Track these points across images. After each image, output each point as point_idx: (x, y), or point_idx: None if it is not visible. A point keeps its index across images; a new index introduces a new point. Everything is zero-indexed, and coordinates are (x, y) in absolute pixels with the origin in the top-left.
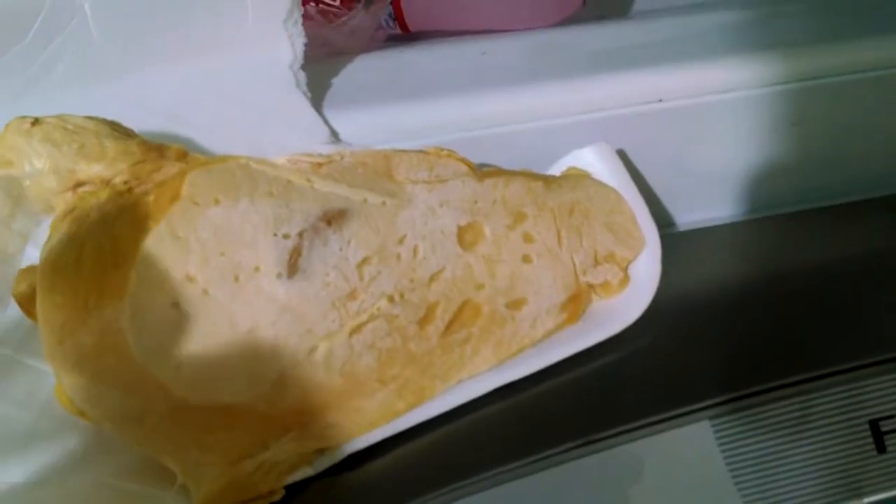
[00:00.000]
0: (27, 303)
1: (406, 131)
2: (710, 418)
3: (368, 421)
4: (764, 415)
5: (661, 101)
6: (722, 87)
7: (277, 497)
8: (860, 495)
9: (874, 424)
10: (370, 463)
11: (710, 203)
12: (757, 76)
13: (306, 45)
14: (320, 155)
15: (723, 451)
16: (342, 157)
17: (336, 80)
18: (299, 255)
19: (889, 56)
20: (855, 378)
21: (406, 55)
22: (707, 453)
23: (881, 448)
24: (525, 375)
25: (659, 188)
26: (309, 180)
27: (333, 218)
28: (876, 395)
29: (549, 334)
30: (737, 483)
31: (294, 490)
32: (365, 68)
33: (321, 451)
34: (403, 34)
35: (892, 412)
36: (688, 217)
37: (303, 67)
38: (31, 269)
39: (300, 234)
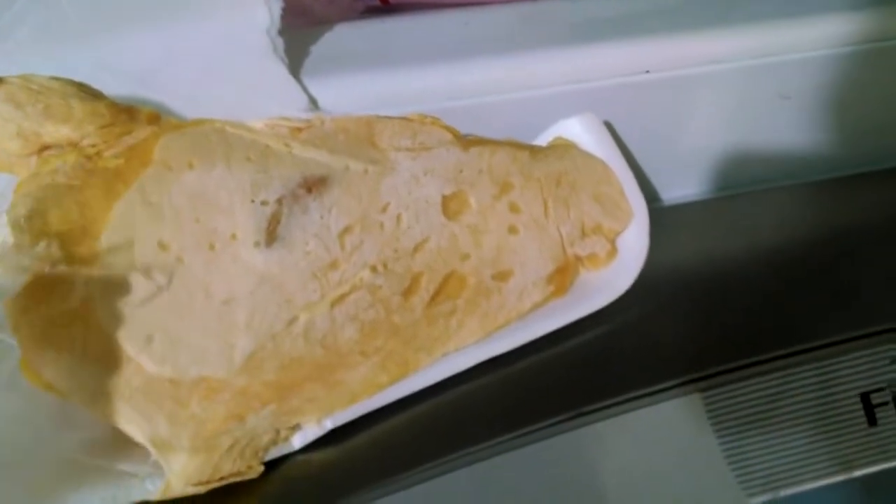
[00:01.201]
0: None
1: (388, 100)
2: (701, 391)
3: (350, 394)
4: (754, 388)
5: (648, 72)
6: (711, 59)
7: (255, 474)
8: (851, 468)
9: (865, 397)
10: (353, 438)
11: (697, 177)
12: (747, 47)
13: (284, 11)
14: (300, 120)
15: (713, 424)
16: (322, 123)
17: (315, 48)
18: (278, 222)
19: (880, 29)
20: (845, 350)
21: (387, 24)
22: (697, 426)
23: (872, 421)
24: (512, 348)
25: (645, 161)
26: (288, 145)
27: (314, 185)
28: (867, 367)
29: (536, 307)
30: (727, 456)
31: (274, 466)
32: (345, 37)
33: (301, 426)
34: (382, 5)
35: (883, 385)
36: (674, 191)
37: (280, 34)
38: None
39: (279, 201)
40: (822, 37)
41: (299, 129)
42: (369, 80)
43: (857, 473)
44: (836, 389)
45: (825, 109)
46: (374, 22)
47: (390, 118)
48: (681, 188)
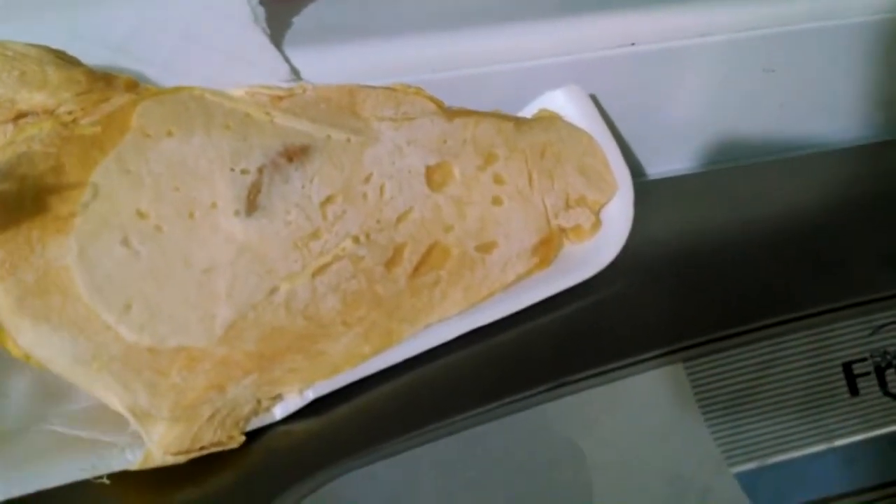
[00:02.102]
0: None
1: (371, 71)
2: (684, 361)
3: (332, 365)
4: (737, 358)
5: (633, 44)
6: (697, 32)
7: (236, 444)
8: (833, 438)
9: (847, 367)
10: (335, 408)
11: (682, 151)
12: (732, 21)
13: None
14: (281, 88)
15: (696, 393)
16: (304, 91)
17: (297, 19)
18: (258, 191)
19: (866, 4)
20: (827, 321)
21: None
22: (681, 396)
23: (854, 391)
24: (496, 320)
25: (630, 135)
26: (268, 114)
27: (295, 154)
28: (849, 338)
29: (520, 278)
30: (710, 426)
31: (254, 436)
32: (329, 7)
33: (283, 397)
34: None
35: (865, 355)
36: (660, 166)
37: (262, 3)
38: None
39: (259, 170)
40: (808, 11)
41: (280, 98)
42: (352, 50)
43: (839, 443)
44: (818, 360)
45: (810, 83)
46: None
47: (373, 87)
48: (666, 162)
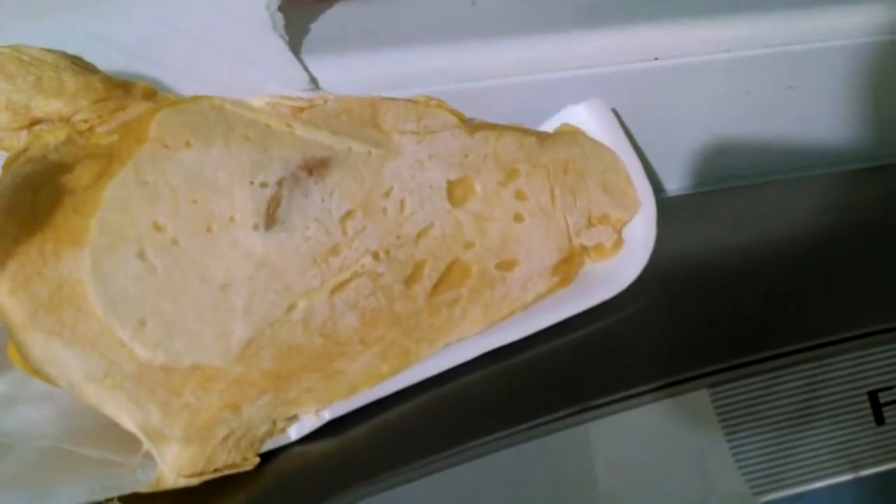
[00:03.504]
0: None
1: (390, 80)
2: (708, 387)
3: (350, 385)
4: (762, 384)
5: (657, 59)
6: (720, 47)
7: (251, 466)
8: (858, 468)
9: (873, 396)
10: (352, 429)
11: (704, 168)
12: (756, 36)
13: None
14: (301, 99)
15: (721, 420)
16: (325, 102)
17: (316, 26)
18: (278, 205)
19: (891, 21)
20: (854, 348)
21: (391, 3)
22: (705, 422)
23: (880, 420)
24: (516, 340)
25: (651, 150)
26: (289, 125)
27: (315, 167)
28: (875, 365)
29: (540, 297)
30: (735, 454)
31: (269, 458)
32: (348, 15)
33: (298, 417)
34: None
35: (892, 383)
36: (681, 182)
37: (281, 9)
38: None
39: (279, 183)
40: (832, 27)
41: (301, 109)
42: (372, 59)
43: (865, 473)
44: (844, 387)
45: (833, 101)
46: (378, 1)
47: (395, 100)
48: (687, 178)
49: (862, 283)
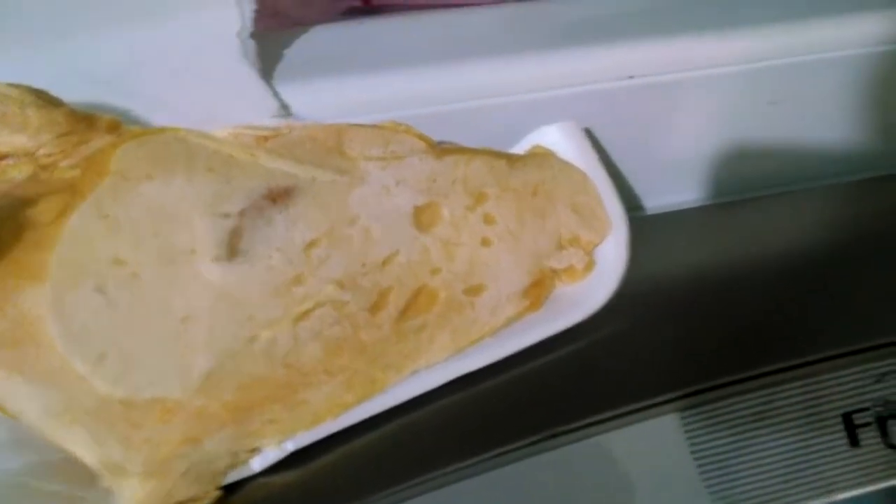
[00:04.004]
0: None
1: (362, 105)
2: (678, 411)
3: (313, 415)
4: (733, 407)
5: (632, 77)
6: (696, 64)
7: (211, 500)
8: (833, 491)
9: (847, 417)
10: (316, 460)
11: (681, 185)
12: (734, 52)
13: (257, 12)
14: (266, 128)
15: (691, 445)
16: (290, 131)
17: (289, 52)
18: (240, 236)
19: (871, 34)
20: (828, 369)
21: (365, 27)
22: (675, 447)
23: (854, 442)
24: (485, 365)
25: (627, 169)
26: (253, 155)
27: (279, 196)
28: (850, 386)
29: (510, 322)
30: (704, 479)
31: (232, 490)
32: (321, 40)
33: (261, 449)
34: (365, 6)
35: (866, 405)
36: (658, 200)
37: (252, 36)
38: None
39: (241, 214)
40: (813, 42)
41: (265, 138)
42: (344, 84)
43: (839, 497)
44: (817, 409)
45: (814, 116)
46: (351, 24)
47: (361, 126)
48: (667, 196)
49: (836, 303)
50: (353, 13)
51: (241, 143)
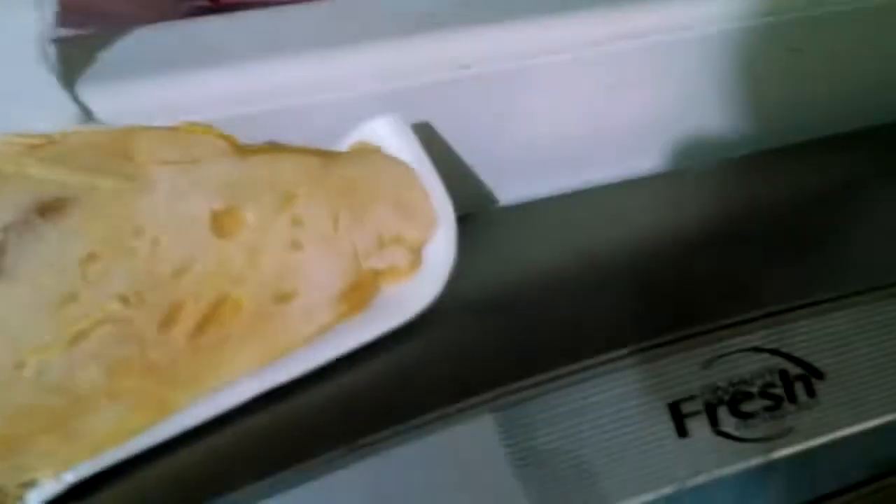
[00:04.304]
0: None
1: (171, 107)
2: (492, 411)
3: (95, 443)
4: (551, 403)
5: (468, 66)
6: (535, 50)
7: None
8: (663, 483)
9: (673, 407)
10: (102, 491)
11: (531, 175)
12: (579, 35)
13: (81, 14)
14: (37, 136)
15: (507, 446)
16: (65, 138)
17: (96, 56)
18: (4, 254)
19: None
20: (651, 358)
21: (189, 27)
22: (490, 449)
23: (682, 432)
24: (298, 376)
25: (475, 161)
26: (20, 165)
27: (50, 208)
28: (675, 374)
29: (325, 329)
30: (524, 482)
31: None
32: (129, 43)
33: (37, 482)
34: (212, 7)
35: (692, 393)
36: (511, 192)
37: (58, 40)
38: None
39: (5, 230)
40: (654, 23)
41: (36, 146)
42: (152, 87)
43: (668, 490)
44: (642, 400)
45: (664, 98)
46: (175, 25)
47: (153, 129)
48: (517, 188)
49: (666, 290)
50: (198, 13)
51: (7, 152)
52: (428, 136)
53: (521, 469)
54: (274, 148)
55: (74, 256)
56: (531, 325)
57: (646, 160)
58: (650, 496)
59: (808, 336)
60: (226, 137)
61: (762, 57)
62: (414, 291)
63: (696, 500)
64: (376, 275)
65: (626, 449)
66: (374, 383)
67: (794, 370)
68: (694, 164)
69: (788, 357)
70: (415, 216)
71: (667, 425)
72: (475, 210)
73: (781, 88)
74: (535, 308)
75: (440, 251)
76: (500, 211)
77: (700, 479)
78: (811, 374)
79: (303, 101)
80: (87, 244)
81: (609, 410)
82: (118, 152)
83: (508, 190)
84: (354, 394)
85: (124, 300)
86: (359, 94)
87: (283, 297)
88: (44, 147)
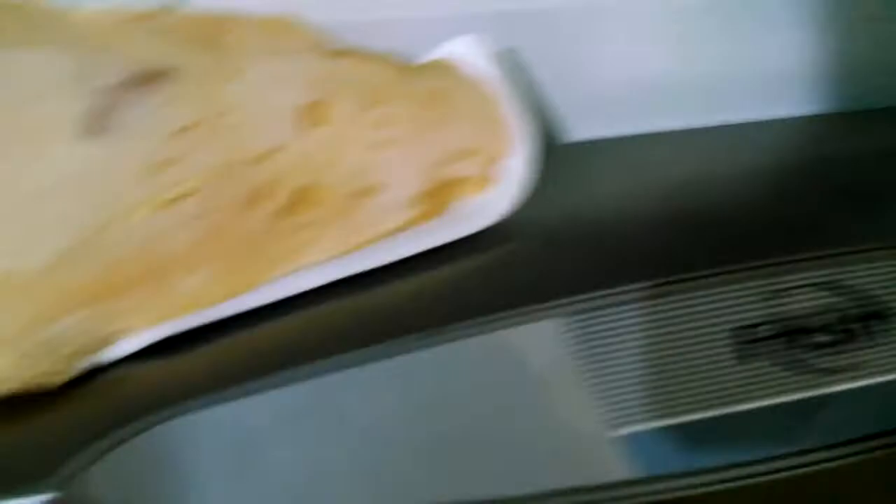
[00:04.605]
0: None
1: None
2: (566, 315)
3: (181, 305)
4: (621, 315)
5: None
6: None
7: (61, 379)
8: (718, 405)
9: (735, 333)
10: (182, 352)
11: (608, 114)
12: None
13: None
14: (144, 9)
15: (578, 350)
16: (167, 14)
17: None
18: (108, 114)
19: None
20: (719, 283)
21: None
22: (561, 351)
23: (741, 358)
24: (370, 268)
25: (554, 94)
26: (126, 34)
27: (151, 78)
28: (740, 302)
29: (400, 229)
30: (592, 384)
31: (91, 375)
32: None
33: (123, 334)
34: None
35: (757, 321)
36: (586, 129)
37: None
38: None
39: (108, 92)
40: None
41: (143, 18)
42: None
43: (724, 411)
44: (707, 323)
45: (743, 52)
46: None
47: (245, 18)
48: (592, 126)
49: (735, 224)
50: None
51: (116, 20)
52: (509, 64)
53: (584, 375)
54: (361, 53)
55: (169, 126)
56: (604, 247)
57: (729, 112)
58: (706, 415)
59: (875, 277)
60: (315, 35)
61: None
62: (489, 204)
63: (748, 424)
64: (453, 183)
65: (687, 368)
66: (447, 282)
67: (858, 309)
68: (777, 116)
69: (854, 295)
70: (493, 132)
71: (728, 350)
72: (550, 142)
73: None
74: (609, 233)
75: (517, 168)
76: (577, 145)
77: (753, 405)
78: (874, 315)
79: (392, 15)
80: (181, 117)
81: (674, 329)
82: (214, 36)
83: (584, 127)
84: (427, 290)
85: (212, 175)
86: (447, 13)
87: (364, 193)
88: (147, 20)
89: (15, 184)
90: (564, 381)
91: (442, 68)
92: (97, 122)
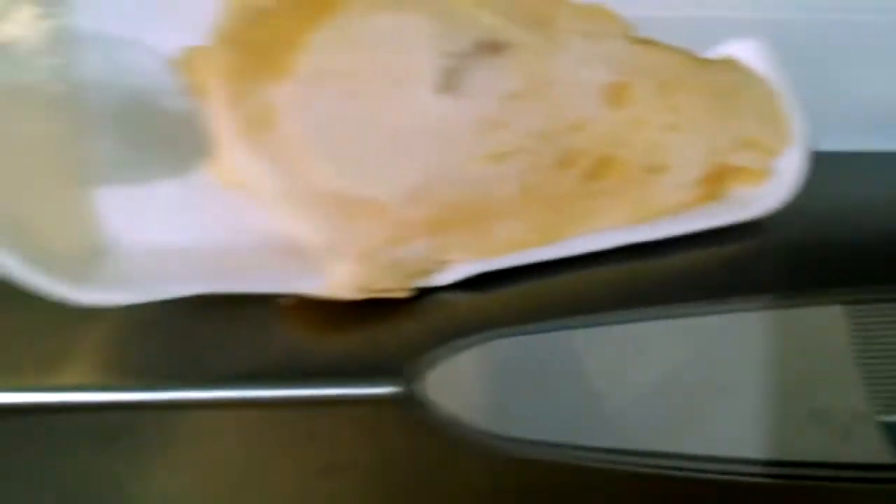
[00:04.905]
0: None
1: None
2: (845, 303)
3: (501, 247)
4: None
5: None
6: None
7: (403, 294)
8: None
9: None
10: (494, 287)
11: (867, 128)
12: None
13: None
14: None
15: (854, 337)
16: None
17: None
18: (458, 75)
19: None
20: None
21: None
22: (837, 336)
23: None
24: (655, 238)
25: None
26: (477, 8)
27: (493, 47)
28: None
29: (684, 206)
30: (863, 370)
31: (419, 295)
32: None
33: (449, 265)
34: None
35: None
36: (840, 141)
37: None
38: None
39: (461, 56)
40: None
41: None
42: None
43: None
44: None
45: None
46: None
47: (570, 2)
48: (846, 139)
49: None
50: None
51: None
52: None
53: (859, 363)
54: (662, 43)
55: (504, 92)
56: (873, 244)
57: None
58: None
59: None
60: (623, 22)
61: None
62: (765, 195)
63: None
64: (733, 171)
65: None
66: (723, 262)
67: None
68: None
69: None
70: (774, 127)
71: None
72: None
73: None
74: (874, 232)
75: (792, 166)
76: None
77: None
78: None
79: (683, 14)
80: (513, 84)
81: None
82: (543, 13)
83: (838, 139)
84: (707, 265)
85: (536, 137)
86: (732, 16)
87: (654, 169)
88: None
89: (390, 125)
90: (835, 364)
91: (732, 63)
92: (449, 81)
